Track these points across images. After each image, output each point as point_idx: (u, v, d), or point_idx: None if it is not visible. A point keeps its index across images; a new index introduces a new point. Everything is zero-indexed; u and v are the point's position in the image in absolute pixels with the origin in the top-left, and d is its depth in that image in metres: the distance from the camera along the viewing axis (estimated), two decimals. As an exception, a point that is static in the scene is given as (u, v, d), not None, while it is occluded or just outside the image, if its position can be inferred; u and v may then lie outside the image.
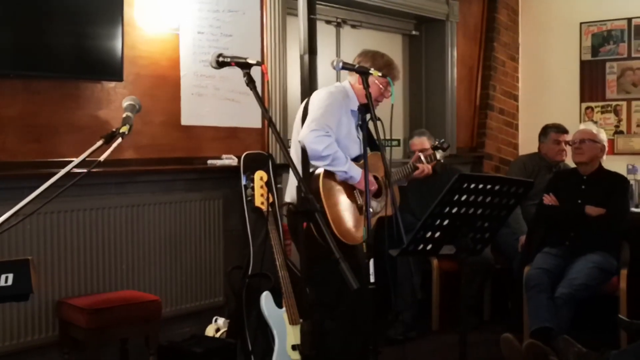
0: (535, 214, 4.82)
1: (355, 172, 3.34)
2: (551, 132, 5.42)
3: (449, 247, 2.95)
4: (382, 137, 2.98)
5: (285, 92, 4.83)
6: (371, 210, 3.37)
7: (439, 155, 3.99)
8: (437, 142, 4.09)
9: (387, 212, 3.33)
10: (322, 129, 3.25)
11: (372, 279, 2.81)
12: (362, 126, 3.51)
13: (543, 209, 4.65)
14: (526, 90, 7.00)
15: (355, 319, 3.34)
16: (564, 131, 5.34)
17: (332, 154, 3.23)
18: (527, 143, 6.62)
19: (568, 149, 5.29)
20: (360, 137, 3.56)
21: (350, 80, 3.60)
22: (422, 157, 3.87)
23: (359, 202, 3.42)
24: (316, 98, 3.46)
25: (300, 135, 3.34)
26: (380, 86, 3.50)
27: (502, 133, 6.86)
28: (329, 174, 3.29)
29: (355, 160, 3.48)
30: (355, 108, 3.45)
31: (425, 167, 3.84)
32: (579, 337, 3.94)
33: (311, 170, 3.35)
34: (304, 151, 3.32)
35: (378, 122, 2.94)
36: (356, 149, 3.51)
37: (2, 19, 3.47)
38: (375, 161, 3.50)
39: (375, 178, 3.50)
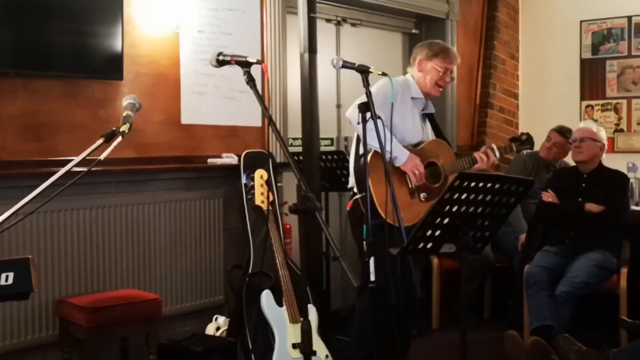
0: (535, 211, 4.82)
1: (400, 153, 3.42)
2: (551, 131, 5.42)
3: (449, 246, 2.94)
4: (382, 134, 2.98)
5: (285, 90, 4.83)
6: (425, 195, 3.49)
7: (516, 147, 3.82)
8: (519, 134, 3.88)
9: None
10: None
11: (372, 277, 2.81)
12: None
13: (542, 206, 4.65)
14: (526, 89, 7.00)
15: (380, 313, 3.31)
16: (561, 133, 5.34)
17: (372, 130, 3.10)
18: (527, 141, 6.61)
19: (555, 149, 5.32)
20: (424, 126, 3.71)
21: (411, 72, 3.73)
22: (496, 149, 3.72)
23: (410, 186, 3.48)
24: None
25: (347, 112, 3.43)
26: (439, 70, 3.64)
27: (502, 131, 6.86)
28: (377, 156, 3.26)
29: (416, 146, 3.58)
30: (419, 96, 3.64)
31: (485, 161, 3.62)
32: (579, 335, 3.95)
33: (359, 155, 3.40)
34: (358, 142, 3.41)
35: (379, 121, 2.93)
36: (419, 136, 3.62)
37: (2, 17, 3.47)
38: (436, 147, 3.64)
39: (433, 164, 3.57)
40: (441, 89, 3.73)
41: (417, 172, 3.48)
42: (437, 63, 3.64)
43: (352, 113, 3.32)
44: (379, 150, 3.15)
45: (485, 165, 3.66)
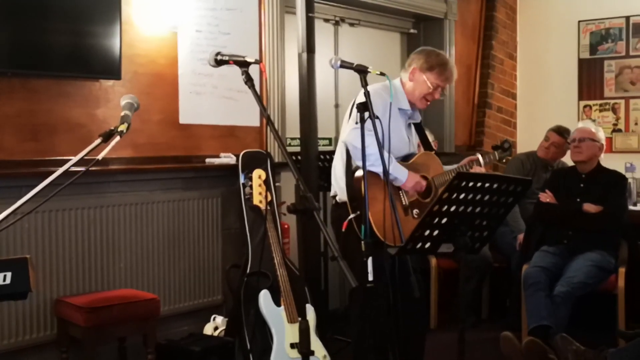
0: (534, 211, 4.83)
1: (400, 173, 3.30)
2: (549, 131, 5.43)
3: (447, 246, 2.95)
4: (380, 135, 2.98)
5: (283, 90, 4.83)
6: (417, 211, 3.40)
7: (498, 155, 3.76)
8: (499, 142, 3.89)
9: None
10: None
11: (370, 277, 2.81)
12: (417, 126, 3.58)
13: (540, 206, 4.66)
14: (524, 89, 7.01)
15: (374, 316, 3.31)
16: (559, 133, 5.34)
17: (374, 153, 3.07)
18: (525, 141, 6.62)
19: (553, 149, 5.32)
20: (411, 136, 3.57)
21: (402, 77, 3.54)
22: (480, 159, 3.64)
23: (404, 203, 3.38)
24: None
25: (343, 136, 3.34)
26: (429, 85, 3.46)
27: (500, 131, 6.87)
28: (372, 173, 3.16)
29: (405, 159, 3.45)
30: (405, 107, 3.47)
31: (480, 170, 3.60)
32: (577, 335, 3.95)
33: (352, 170, 3.34)
34: (348, 153, 3.33)
35: (377, 121, 2.93)
36: (405, 148, 3.49)
37: (0, 17, 3.46)
38: (426, 160, 3.52)
39: (425, 178, 3.45)
40: (429, 103, 3.54)
41: (419, 190, 3.39)
42: (429, 78, 3.45)
43: (350, 134, 3.21)
44: (371, 170, 3.14)
45: None
